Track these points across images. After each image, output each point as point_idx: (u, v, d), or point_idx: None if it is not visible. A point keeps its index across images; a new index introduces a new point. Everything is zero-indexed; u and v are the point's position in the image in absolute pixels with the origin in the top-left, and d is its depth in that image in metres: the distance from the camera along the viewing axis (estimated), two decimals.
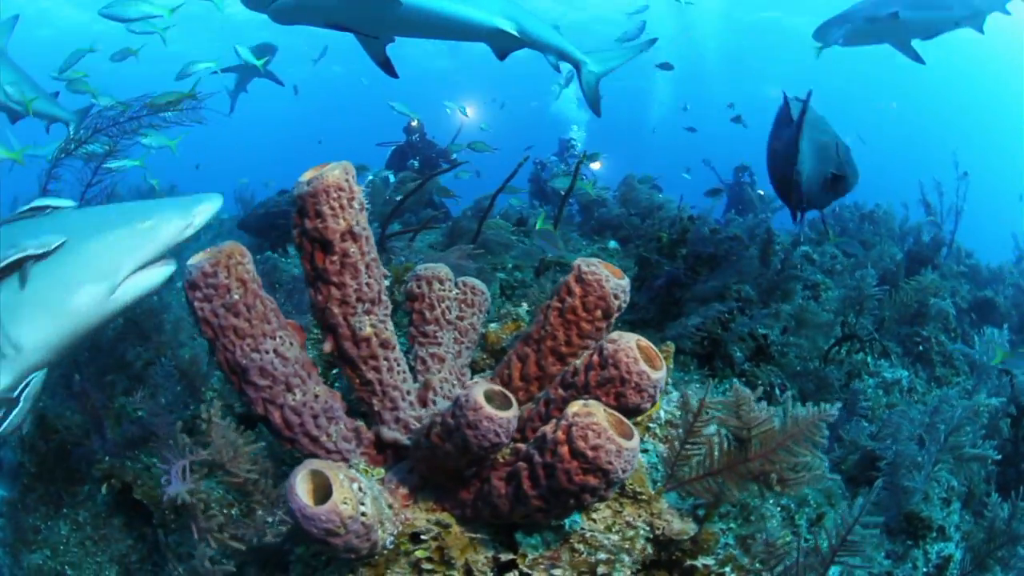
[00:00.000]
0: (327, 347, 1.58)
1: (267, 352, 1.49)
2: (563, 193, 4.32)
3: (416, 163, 6.87)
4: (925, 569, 2.85)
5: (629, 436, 1.19)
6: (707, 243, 3.48)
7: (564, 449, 1.18)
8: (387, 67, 4.96)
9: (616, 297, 1.54)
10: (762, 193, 8.29)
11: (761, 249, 3.91)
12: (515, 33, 4.87)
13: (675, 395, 1.97)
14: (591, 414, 1.17)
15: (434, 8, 4.53)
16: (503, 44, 5.01)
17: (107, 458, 2.69)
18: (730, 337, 3.20)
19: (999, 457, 3.15)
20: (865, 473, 2.97)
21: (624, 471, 1.18)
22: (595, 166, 9.27)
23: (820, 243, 5.72)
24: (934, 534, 2.91)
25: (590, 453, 1.15)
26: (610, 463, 1.16)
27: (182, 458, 1.65)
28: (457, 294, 1.79)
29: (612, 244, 5.03)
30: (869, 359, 3.94)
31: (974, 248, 6.63)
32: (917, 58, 6.39)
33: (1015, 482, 3.79)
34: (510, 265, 3.60)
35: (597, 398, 1.30)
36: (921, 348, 4.54)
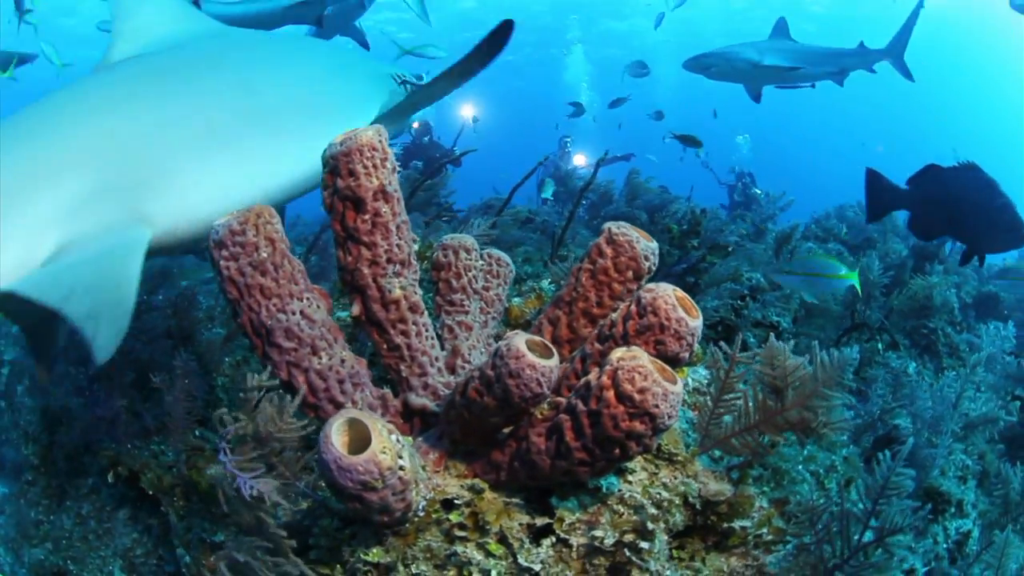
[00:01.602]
0: (355, 310, 1.56)
1: (293, 313, 1.46)
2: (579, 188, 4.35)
3: (420, 164, 6.87)
4: (945, 544, 2.85)
5: (674, 381, 1.17)
6: (721, 233, 3.50)
7: (610, 394, 1.15)
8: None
9: (646, 259, 1.53)
10: (759, 192, 8.35)
11: (777, 242, 3.94)
12: None
13: (700, 370, 1.95)
14: (636, 357, 1.15)
15: None
16: None
17: (113, 445, 2.65)
18: (743, 323, 3.20)
19: (1011, 418, 3.19)
20: (879, 449, 2.98)
21: (670, 417, 1.16)
22: (579, 160, 9.31)
23: (825, 240, 5.73)
24: (953, 509, 2.91)
25: (637, 396, 1.13)
26: (657, 406, 1.14)
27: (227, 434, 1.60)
28: (483, 265, 1.77)
29: None
30: (879, 347, 3.94)
31: None
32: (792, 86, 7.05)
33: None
34: (520, 259, 3.59)
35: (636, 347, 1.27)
36: (928, 339, 4.55)
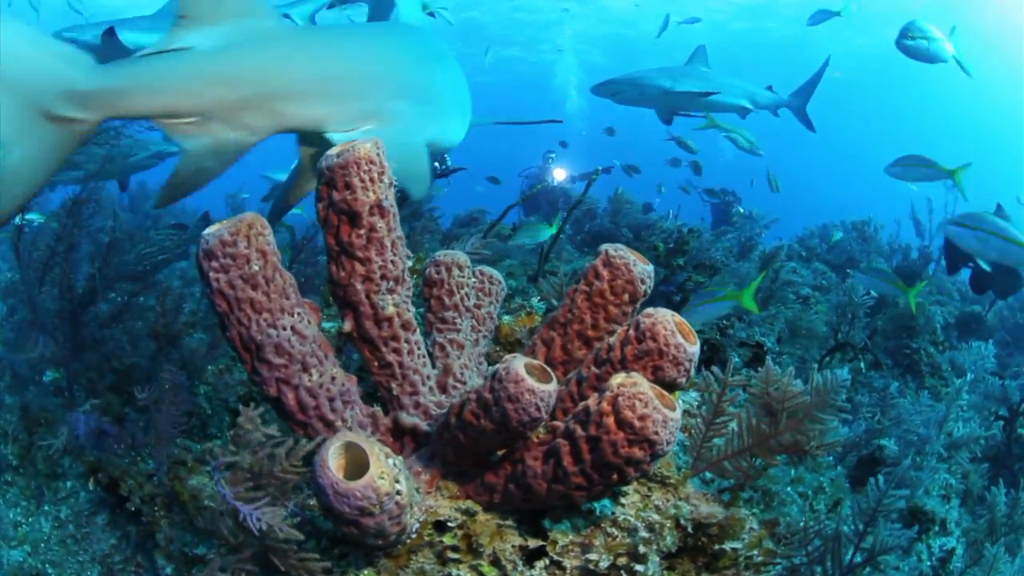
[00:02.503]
0: (346, 327, 1.53)
1: (284, 328, 1.44)
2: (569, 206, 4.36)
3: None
4: (929, 562, 2.87)
5: (673, 408, 1.16)
6: (708, 251, 3.52)
7: (610, 420, 1.14)
8: None
9: (643, 281, 1.52)
10: (743, 211, 8.40)
11: (763, 260, 3.96)
12: None
13: (691, 392, 1.95)
14: (636, 384, 1.14)
15: None
16: None
17: (95, 452, 2.61)
18: (728, 343, 3.20)
19: (990, 433, 3.24)
20: (866, 473, 3.00)
21: (668, 443, 1.15)
22: (559, 175, 9.32)
23: (808, 260, 5.78)
24: (936, 528, 2.93)
25: (638, 423, 1.12)
26: (656, 433, 1.12)
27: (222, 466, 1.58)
28: (475, 282, 1.76)
29: None
30: (862, 366, 3.97)
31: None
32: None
33: (1009, 484, 3.86)
34: (504, 274, 3.57)
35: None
36: (911, 359, 4.60)
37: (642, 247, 3.83)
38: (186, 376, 2.51)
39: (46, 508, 2.74)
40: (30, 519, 2.72)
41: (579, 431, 1.19)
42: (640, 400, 1.12)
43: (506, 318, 2.01)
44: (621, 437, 1.14)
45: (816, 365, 3.77)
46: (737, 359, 3.26)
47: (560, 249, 4.54)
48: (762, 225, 7.06)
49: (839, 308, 3.94)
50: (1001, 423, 4.02)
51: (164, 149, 5.49)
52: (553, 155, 9.87)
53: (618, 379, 1.16)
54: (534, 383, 1.18)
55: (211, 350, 2.83)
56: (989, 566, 2.63)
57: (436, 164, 6.21)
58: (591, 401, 1.18)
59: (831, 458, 2.56)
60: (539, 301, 2.12)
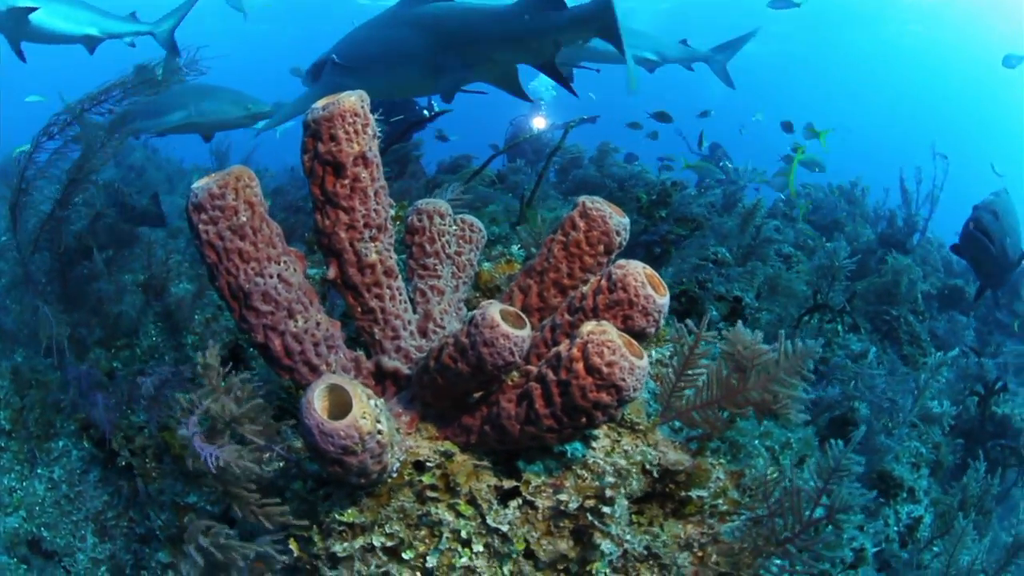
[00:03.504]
0: (331, 273, 1.58)
1: (271, 277, 1.48)
2: (548, 152, 4.30)
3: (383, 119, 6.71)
4: (896, 528, 2.95)
5: (640, 355, 1.22)
6: (690, 205, 3.56)
7: (579, 365, 1.20)
8: None
9: (618, 233, 1.57)
10: (731, 166, 8.39)
11: (743, 217, 4.01)
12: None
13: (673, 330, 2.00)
14: (605, 332, 1.19)
15: None
16: None
17: (86, 408, 2.66)
18: (707, 296, 3.27)
19: (955, 412, 3.31)
20: (837, 434, 3.06)
21: (635, 389, 1.21)
22: (538, 123, 9.23)
23: (793, 220, 5.82)
24: (904, 494, 3.01)
25: (605, 369, 1.18)
26: (623, 379, 1.18)
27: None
28: (456, 230, 1.80)
29: None
30: (840, 328, 4.05)
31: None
32: None
33: (979, 459, 3.94)
34: (487, 220, 3.61)
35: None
36: (890, 326, 4.67)
37: (625, 197, 3.88)
38: (168, 320, 2.56)
39: (39, 471, 2.78)
40: (24, 483, 2.76)
41: (551, 375, 1.25)
42: (608, 347, 1.18)
43: (486, 265, 2.06)
44: (590, 382, 1.20)
45: (793, 324, 3.85)
46: (715, 312, 3.32)
47: (544, 195, 4.56)
48: (748, 181, 7.04)
49: (820, 270, 4.00)
50: (975, 399, 4.11)
51: (260, 111, 5.58)
52: (543, 102, 9.80)
53: (588, 327, 1.21)
54: (508, 328, 1.24)
55: (196, 299, 2.87)
56: (957, 539, 2.71)
57: (424, 110, 6.02)
58: (563, 347, 1.24)
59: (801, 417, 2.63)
60: (519, 249, 2.17)
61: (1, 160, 6.68)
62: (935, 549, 3.10)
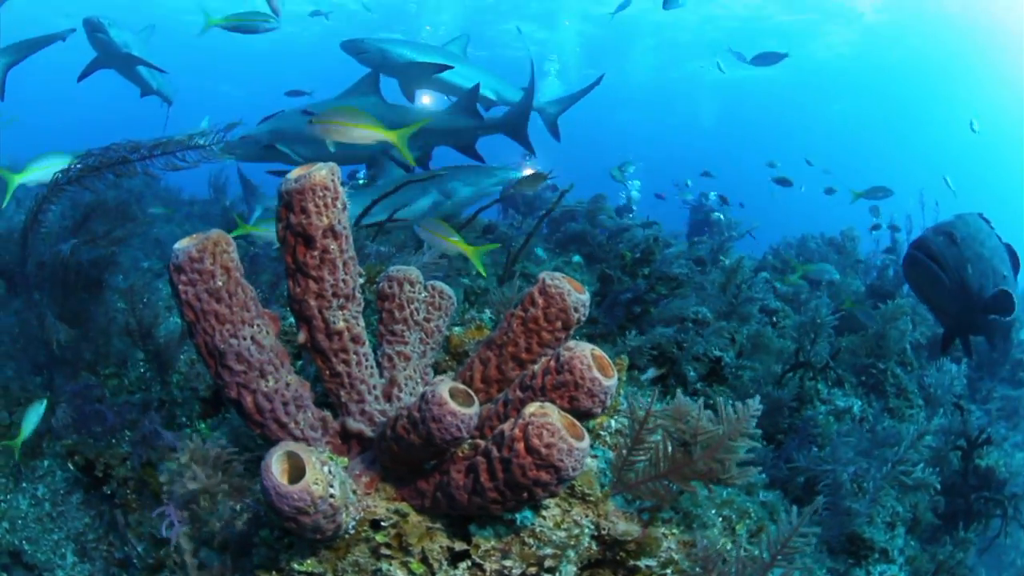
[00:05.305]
0: (301, 338, 1.66)
1: (244, 339, 1.56)
2: (544, 210, 4.43)
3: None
4: None
5: (580, 437, 1.28)
6: (671, 264, 3.62)
7: (520, 445, 1.27)
8: None
9: (576, 310, 1.62)
10: (721, 216, 8.45)
11: (726, 275, 4.05)
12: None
13: (626, 406, 2.07)
14: (546, 414, 1.26)
15: None
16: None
17: (74, 436, 2.73)
18: (684, 356, 3.32)
19: (939, 486, 3.28)
20: (810, 496, 3.08)
21: (574, 469, 1.28)
22: (533, 180, 9.28)
23: (783, 272, 5.87)
24: (876, 555, 3.03)
25: (544, 450, 1.25)
26: (561, 461, 1.25)
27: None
28: (426, 297, 1.87)
29: (576, 258, 5.14)
30: (822, 386, 4.08)
31: None
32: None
33: (963, 513, 3.94)
34: (474, 272, 3.68)
35: (552, 401, 1.39)
36: (877, 379, 4.68)
37: (611, 255, 3.95)
38: (156, 359, 2.63)
39: (24, 485, 2.85)
40: (8, 496, 2.82)
41: (495, 452, 1.32)
42: (548, 430, 1.25)
43: (457, 329, 2.13)
44: (529, 461, 1.27)
45: (775, 382, 3.89)
46: (693, 373, 3.37)
47: (530, 250, 4.64)
48: (736, 232, 7.06)
49: (803, 327, 4.03)
50: (959, 453, 4.11)
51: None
52: (529, 156, 9.86)
53: (531, 408, 1.28)
54: (456, 407, 1.31)
55: (182, 341, 2.94)
56: None
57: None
58: (507, 425, 1.31)
59: (762, 477, 2.68)
60: (491, 317, 2.24)
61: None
62: None
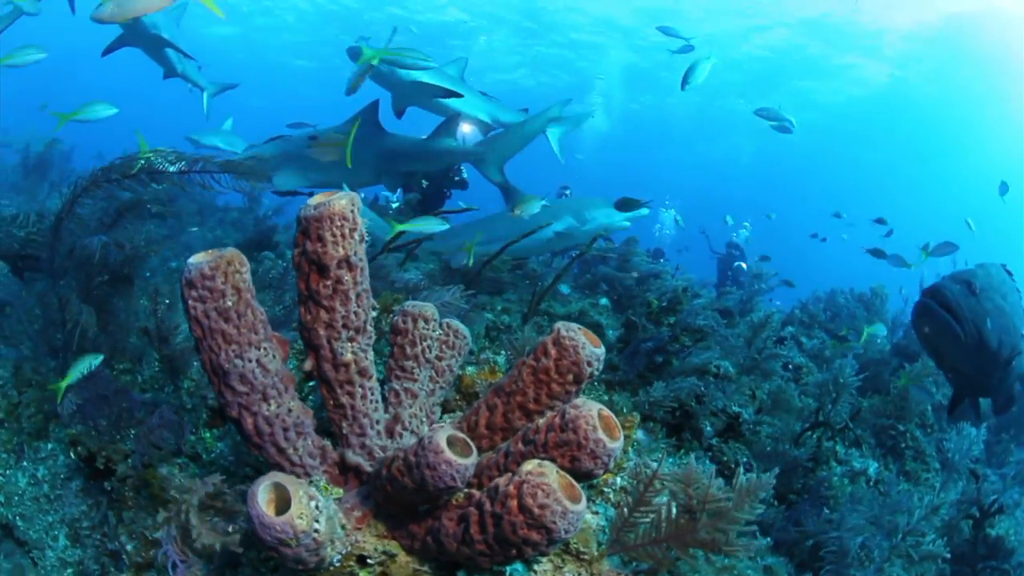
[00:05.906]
0: (307, 365, 1.64)
1: (250, 360, 1.55)
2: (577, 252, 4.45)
3: (425, 183, 6.91)
4: None
5: (577, 500, 1.25)
6: (697, 316, 3.56)
7: (513, 503, 1.23)
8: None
9: (589, 364, 1.57)
10: (744, 266, 8.35)
11: (752, 329, 3.98)
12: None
13: (633, 463, 2.02)
14: (543, 474, 1.23)
15: None
16: None
17: (79, 426, 2.73)
18: (702, 411, 3.25)
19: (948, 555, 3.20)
20: (816, 561, 3.01)
21: (567, 532, 1.24)
22: None
23: (810, 326, 5.78)
24: None
25: (536, 511, 1.21)
26: (554, 523, 1.22)
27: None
28: (440, 335, 1.83)
29: (603, 301, 5.09)
30: (839, 447, 3.99)
31: None
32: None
33: None
34: (499, 307, 3.65)
35: (553, 459, 1.35)
36: (895, 441, 4.59)
37: (637, 302, 3.90)
38: (168, 366, 2.63)
39: (24, 464, 2.85)
40: (8, 471, 2.83)
41: (488, 505, 1.29)
42: (543, 490, 1.21)
43: (470, 368, 2.10)
44: (521, 520, 1.23)
45: (793, 440, 3.81)
46: (709, 428, 3.31)
47: (557, 290, 4.61)
48: (763, 285, 6.97)
49: (824, 386, 3.95)
50: (970, 522, 4.02)
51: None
52: (568, 189, 9.86)
53: (528, 466, 1.25)
54: (452, 456, 1.28)
55: (199, 354, 2.94)
56: None
57: (454, 177, 6.71)
58: (502, 480, 1.28)
59: (766, 541, 2.61)
60: (505, 360, 2.21)
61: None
62: None
